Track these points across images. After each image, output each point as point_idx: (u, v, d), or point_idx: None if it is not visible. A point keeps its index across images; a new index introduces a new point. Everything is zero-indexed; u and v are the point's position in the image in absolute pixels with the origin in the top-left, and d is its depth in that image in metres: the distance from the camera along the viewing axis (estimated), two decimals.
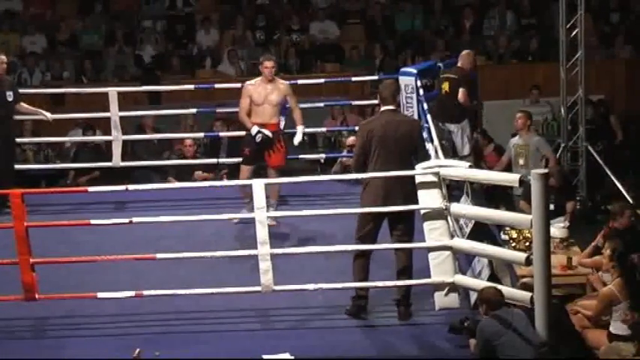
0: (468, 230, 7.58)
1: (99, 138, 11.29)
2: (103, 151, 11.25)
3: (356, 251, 6.99)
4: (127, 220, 7.16)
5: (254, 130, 8.59)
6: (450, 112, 10.00)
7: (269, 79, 8.70)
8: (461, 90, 9.94)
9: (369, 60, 14.15)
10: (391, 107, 7.04)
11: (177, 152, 11.64)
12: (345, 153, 10.39)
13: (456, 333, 6.49)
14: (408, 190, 6.87)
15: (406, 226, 6.97)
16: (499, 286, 6.47)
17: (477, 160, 10.65)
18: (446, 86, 10.03)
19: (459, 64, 10.19)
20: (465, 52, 10.41)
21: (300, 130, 8.81)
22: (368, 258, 7.00)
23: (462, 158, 9.45)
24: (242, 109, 8.71)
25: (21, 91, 9.76)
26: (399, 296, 6.99)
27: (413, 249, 7.00)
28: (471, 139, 10.16)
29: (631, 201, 10.52)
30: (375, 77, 11.73)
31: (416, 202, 6.90)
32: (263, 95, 8.69)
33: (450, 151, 9.84)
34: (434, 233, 6.92)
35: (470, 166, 7.04)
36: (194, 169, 10.90)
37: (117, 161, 9.96)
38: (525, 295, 6.35)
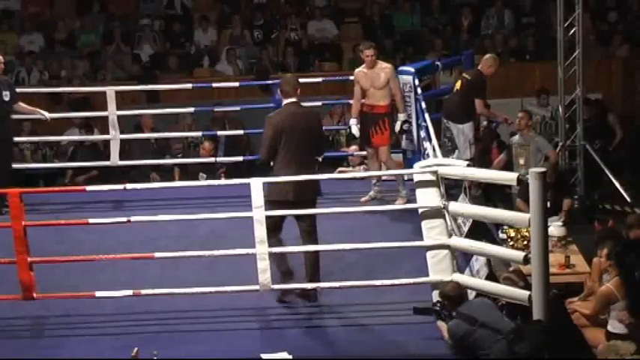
0: (466, 229, 7.58)
1: (97, 137, 11.29)
2: (100, 150, 11.25)
3: (271, 240, 7.01)
4: (125, 219, 7.16)
5: (350, 122, 9.29)
6: (454, 110, 9.90)
7: (370, 66, 9.10)
8: (478, 101, 9.81)
9: None
10: (294, 100, 7.33)
11: (175, 152, 11.64)
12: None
13: (423, 314, 6.55)
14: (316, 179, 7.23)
15: (311, 216, 7.19)
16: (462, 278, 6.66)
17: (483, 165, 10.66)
18: (458, 84, 9.91)
19: (478, 67, 10.02)
20: (487, 55, 10.20)
21: (401, 117, 9.16)
22: (281, 243, 7.19)
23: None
24: (354, 96, 9.30)
25: (18, 90, 9.75)
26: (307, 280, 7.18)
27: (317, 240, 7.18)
28: (474, 144, 10.01)
29: (629, 199, 10.55)
30: None
31: (319, 186, 7.25)
32: (368, 80, 9.12)
33: (453, 149, 9.78)
34: (432, 232, 6.93)
35: (468, 165, 7.04)
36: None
37: (115, 160, 9.96)
38: (523, 293, 6.35)
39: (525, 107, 12.66)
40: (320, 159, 7.62)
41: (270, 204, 7.00)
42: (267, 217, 6.91)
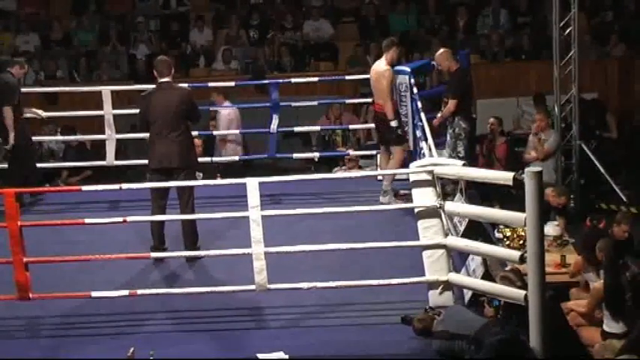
0: (462, 228, 7.58)
1: (94, 137, 11.25)
2: (87, 150, 11.23)
3: (152, 205, 7.81)
4: (121, 219, 7.16)
5: (395, 123, 9.05)
6: None
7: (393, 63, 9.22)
8: None
9: (363, 59, 14.15)
10: (167, 79, 7.92)
11: None
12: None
13: (410, 325, 6.60)
14: (184, 147, 7.82)
15: (185, 179, 7.71)
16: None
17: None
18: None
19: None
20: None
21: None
22: (163, 210, 7.82)
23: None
24: (390, 96, 9.08)
25: None
26: (187, 242, 7.75)
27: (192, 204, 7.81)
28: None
29: (625, 199, 10.57)
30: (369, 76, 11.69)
31: (192, 157, 7.93)
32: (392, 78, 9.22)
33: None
34: (428, 232, 6.93)
35: (464, 164, 7.04)
36: None
37: (110, 160, 9.95)
38: (520, 293, 6.35)
39: (522, 107, 12.73)
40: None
41: (150, 172, 7.89)
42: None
